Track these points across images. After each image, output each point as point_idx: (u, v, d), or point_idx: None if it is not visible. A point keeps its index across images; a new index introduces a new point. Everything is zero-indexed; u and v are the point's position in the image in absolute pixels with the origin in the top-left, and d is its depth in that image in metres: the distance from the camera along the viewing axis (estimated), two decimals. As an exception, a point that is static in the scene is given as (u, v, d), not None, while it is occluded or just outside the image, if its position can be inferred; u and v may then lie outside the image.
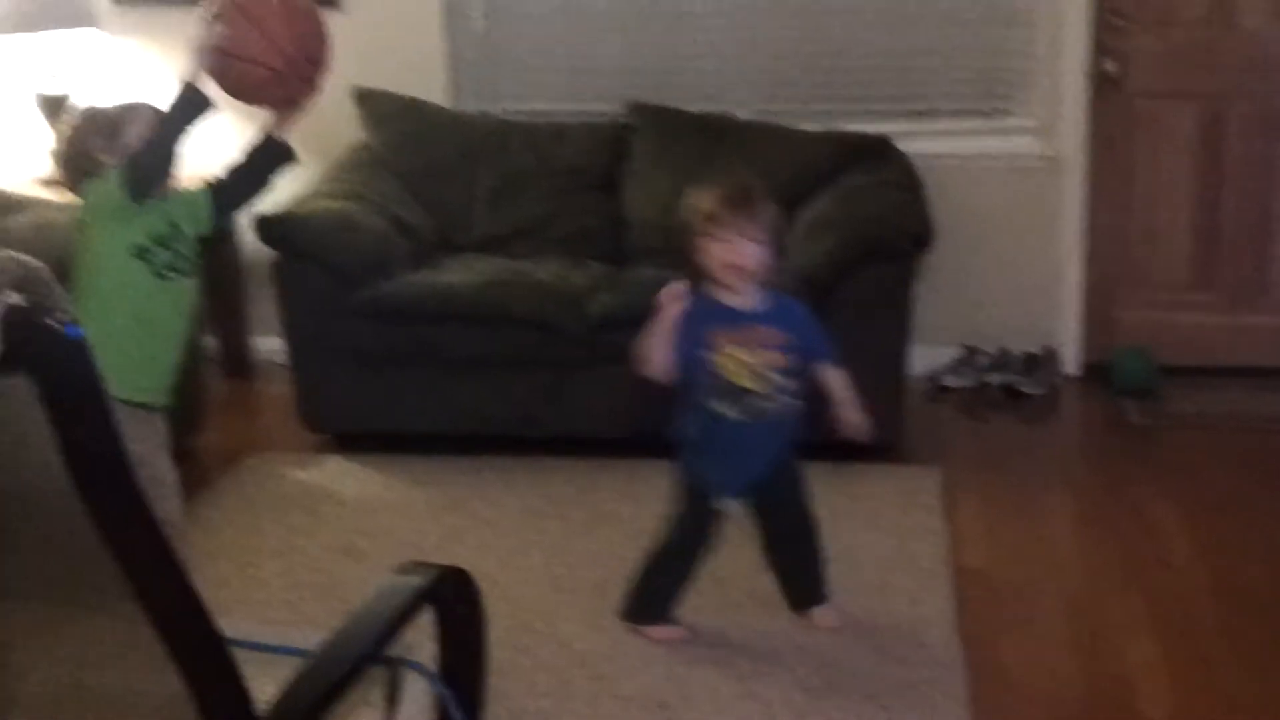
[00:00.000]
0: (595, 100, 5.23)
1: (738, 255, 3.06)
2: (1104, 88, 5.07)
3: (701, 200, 3.09)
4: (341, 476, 4.35)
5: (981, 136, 5.16)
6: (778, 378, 3.13)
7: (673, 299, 3.08)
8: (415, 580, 1.96)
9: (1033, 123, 5.14)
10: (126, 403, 2.87)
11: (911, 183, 4.72)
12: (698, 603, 3.49)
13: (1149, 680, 3.17)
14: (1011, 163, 5.15)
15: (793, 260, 4.42)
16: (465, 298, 4.38)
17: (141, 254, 3.06)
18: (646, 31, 5.23)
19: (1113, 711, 3.06)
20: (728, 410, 3.13)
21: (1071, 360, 5.22)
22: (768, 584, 3.59)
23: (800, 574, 3.38)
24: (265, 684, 1.86)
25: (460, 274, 4.54)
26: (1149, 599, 3.55)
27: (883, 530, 3.91)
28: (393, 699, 1.98)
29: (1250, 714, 3.05)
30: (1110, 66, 5.04)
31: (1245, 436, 4.66)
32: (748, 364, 3.10)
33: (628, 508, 4.07)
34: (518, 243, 4.89)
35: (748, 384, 3.11)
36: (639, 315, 4.24)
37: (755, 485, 3.27)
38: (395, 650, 1.96)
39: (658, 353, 3.10)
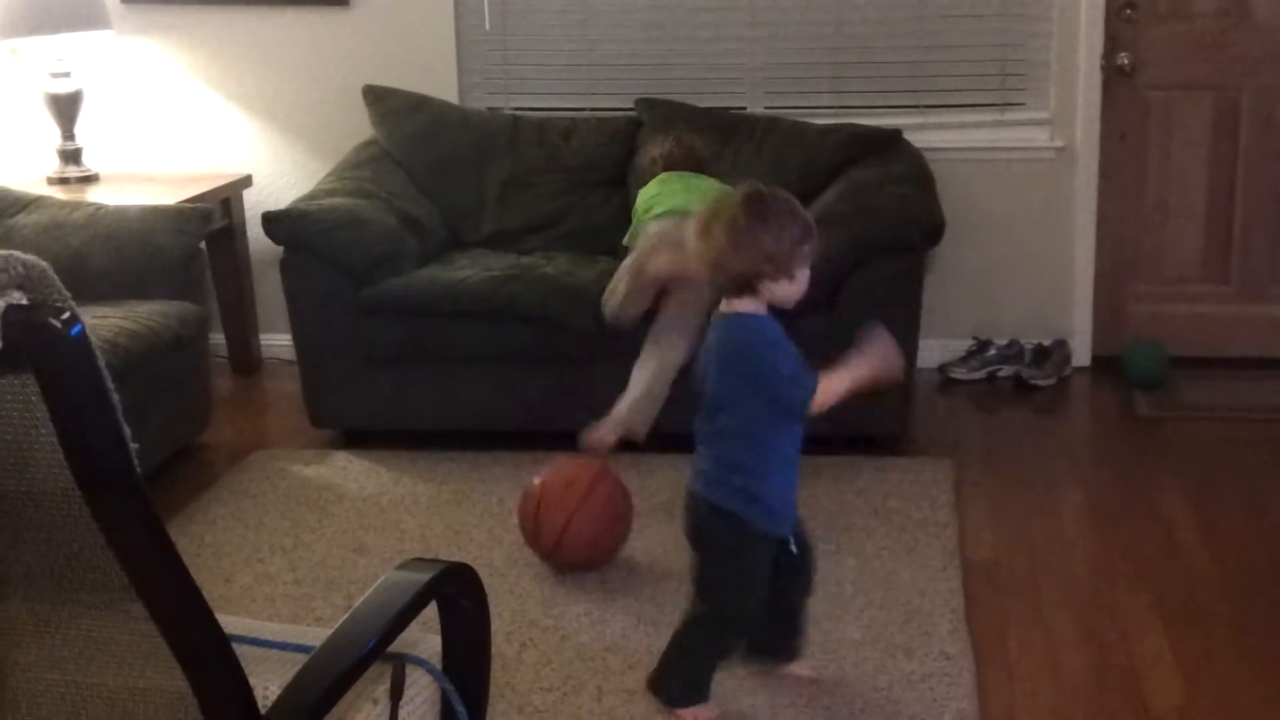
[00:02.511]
0: (605, 96, 5.23)
1: (805, 285, 2.87)
2: (1116, 80, 5.06)
3: (779, 241, 2.80)
4: (348, 472, 4.36)
5: (994, 129, 5.16)
6: None
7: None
8: (418, 576, 1.95)
9: (1045, 115, 5.13)
10: None
11: (922, 176, 4.71)
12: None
13: (1157, 671, 3.17)
14: (1023, 155, 5.14)
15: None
16: (473, 293, 4.38)
17: None
18: (656, 27, 5.23)
19: (1120, 703, 3.06)
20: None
21: (1082, 352, 5.21)
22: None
23: (797, 630, 3.15)
24: (269, 681, 1.87)
25: (468, 270, 4.54)
26: (1158, 590, 3.54)
27: (892, 522, 3.91)
28: (396, 694, 1.98)
29: (1259, 706, 3.04)
30: (1123, 59, 5.03)
31: (1255, 427, 4.65)
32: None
33: (635, 502, 4.07)
34: (527, 238, 4.89)
35: None
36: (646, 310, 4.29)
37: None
38: (399, 646, 1.96)
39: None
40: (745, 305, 2.85)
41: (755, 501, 2.91)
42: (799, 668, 3.14)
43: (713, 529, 2.95)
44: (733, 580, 2.97)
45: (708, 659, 3.04)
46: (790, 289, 2.83)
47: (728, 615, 3.01)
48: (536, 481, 3.66)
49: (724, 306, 2.90)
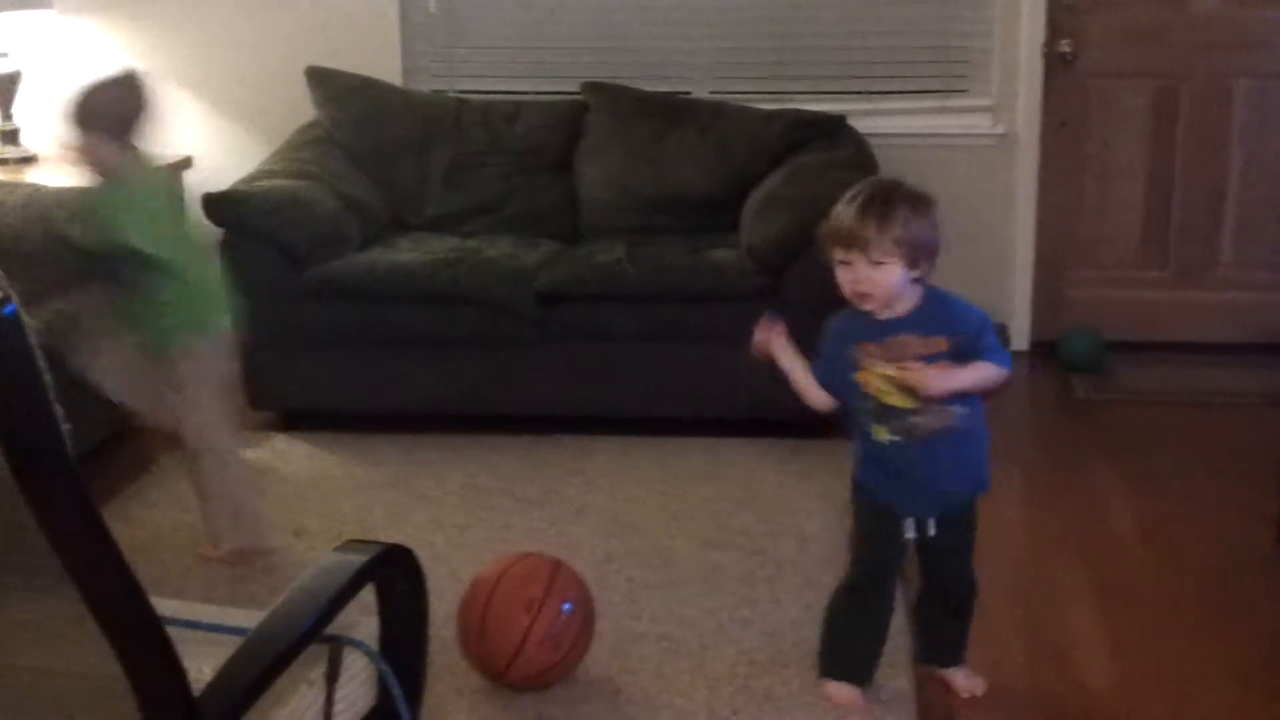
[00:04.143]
0: (550, 79, 5.22)
1: (862, 282, 2.76)
2: (1058, 67, 5.10)
3: (828, 218, 2.80)
4: (287, 455, 4.34)
5: (936, 115, 5.19)
6: None
7: (767, 332, 2.88)
8: (356, 558, 1.96)
9: (987, 101, 5.17)
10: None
11: (865, 161, 4.72)
12: (646, 578, 3.51)
13: (1091, 652, 3.21)
14: (966, 141, 5.18)
15: (745, 239, 4.45)
16: (414, 276, 4.37)
17: None
18: (601, 10, 5.23)
19: (1056, 681, 3.09)
20: (884, 434, 2.80)
21: (1020, 336, 5.25)
22: (715, 559, 3.62)
23: (943, 633, 3.11)
24: (203, 664, 1.86)
25: (410, 253, 4.53)
26: (1093, 572, 3.59)
27: (832, 504, 3.91)
28: (333, 677, 1.97)
29: (1192, 685, 3.07)
30: (1064, 46, 5.07)
31: (1191, 411, 4.70)
32: (893, 379, 2.76)
33: (575, 484, 4.08)
34: (471, 222, 4.87)
35: (896, 401, 2.77)
36: (588, 292, 4.30)
37: (935, 516, 2.94)
38: (336, 628, 1.95)
39: (808, 390, 2.86)
40: None
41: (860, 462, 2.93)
42: (955, 676, 3.10)
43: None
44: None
45: (839, 627, 3.03)
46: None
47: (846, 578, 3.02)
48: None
49: None
